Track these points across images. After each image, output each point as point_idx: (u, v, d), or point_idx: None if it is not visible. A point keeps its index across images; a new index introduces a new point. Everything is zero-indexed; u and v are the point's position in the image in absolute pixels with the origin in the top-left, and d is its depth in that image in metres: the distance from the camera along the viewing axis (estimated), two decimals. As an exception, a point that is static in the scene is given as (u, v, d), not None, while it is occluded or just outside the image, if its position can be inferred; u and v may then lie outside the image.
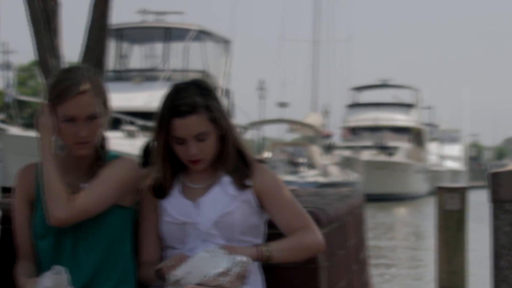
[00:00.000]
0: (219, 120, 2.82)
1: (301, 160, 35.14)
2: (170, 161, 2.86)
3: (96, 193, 2.78)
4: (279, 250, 2.78)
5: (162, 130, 2.81)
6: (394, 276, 11.80)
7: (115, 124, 20.15)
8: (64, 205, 2.73)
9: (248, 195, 2.86)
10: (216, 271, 2.62)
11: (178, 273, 2.63)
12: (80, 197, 2.76)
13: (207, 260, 2.63)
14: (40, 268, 2.86)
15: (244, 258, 2.67)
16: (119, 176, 2.84)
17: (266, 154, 31.62)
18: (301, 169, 34.17)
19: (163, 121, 2.80)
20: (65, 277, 2.66)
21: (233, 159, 2.86)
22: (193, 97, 2.79)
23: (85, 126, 2.79)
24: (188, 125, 2.77)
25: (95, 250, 2.84)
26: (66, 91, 2.79)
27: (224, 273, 2.62)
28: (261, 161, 2.94)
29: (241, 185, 2.85)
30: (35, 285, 2.68)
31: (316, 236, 2.87)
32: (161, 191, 2.88)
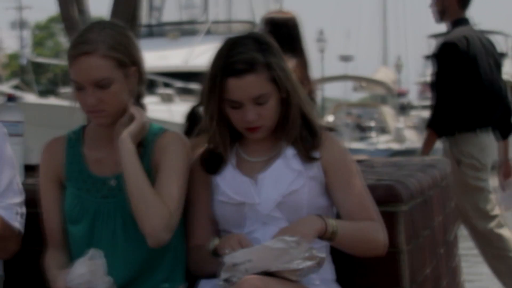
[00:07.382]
0: (282, 80, 2.80)
1: (370, 123, 34.98)
2: (224, 128, 2.86)
3: (177, 193, 2.79)
4: (343, 231, 2.74)
5: (214, 92, 2.80)
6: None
7: (149, 87, 20.22)
8: (166, 221, 2.72)
9: (316, 170, 2.86)
10: (285, 267, 2.59)
11: (236, 258, 2.60)
12: (169, 202, 2.75)
13: (278, 252, 2.58)
14: (72, 258, 2.86)
15: (323, 254, 2.64)
16: (184, 164, 2.84)
17: (328, 118, 31.54)
18: (371, 134, 34.01)
19: (215, 81, 2.79)
20: (102, 263, 2.68)
21: (298, 127, 2.85)
22: (250, 53, 2.78)
23: (93, 93, 2.78)
24: (245, 86, 2.77)
25: (139, 241, 2.78)
26: (71, 52, 2.81)
27: (293, 271, 2.60)
28: (331, 129, 2.92)
29: (308, 158, 2.85)
30: (67, 274, 2.70)
31: (384, 234, 2.85)
32: (213, 165, 2.90)
